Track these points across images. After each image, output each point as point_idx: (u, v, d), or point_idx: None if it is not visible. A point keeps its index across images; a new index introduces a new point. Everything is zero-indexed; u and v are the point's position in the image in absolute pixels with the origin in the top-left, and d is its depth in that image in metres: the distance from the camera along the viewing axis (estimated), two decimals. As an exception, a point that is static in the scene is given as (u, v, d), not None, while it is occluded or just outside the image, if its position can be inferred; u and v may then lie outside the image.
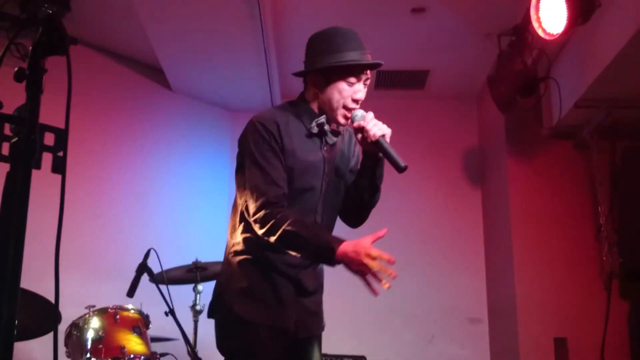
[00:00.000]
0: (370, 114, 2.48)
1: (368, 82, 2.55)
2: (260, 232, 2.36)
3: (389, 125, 2.53)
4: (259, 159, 2.41)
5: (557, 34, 3.87)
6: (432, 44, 5.28)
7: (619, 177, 4.83)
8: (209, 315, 2.55)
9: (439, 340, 5.76)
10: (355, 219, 2.71)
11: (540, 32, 3.99)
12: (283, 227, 2.29)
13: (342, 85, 2.48)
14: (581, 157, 5.10)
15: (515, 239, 5.14)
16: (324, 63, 2.48)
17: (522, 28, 4.49)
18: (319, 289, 2.64)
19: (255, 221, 2.37)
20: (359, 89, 2.50)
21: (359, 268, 2.22)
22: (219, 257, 4.42)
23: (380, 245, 6.03)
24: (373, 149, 2.50)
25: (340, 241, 2.26)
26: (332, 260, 2.26)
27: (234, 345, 2.42)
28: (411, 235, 6.01)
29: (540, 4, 3.97)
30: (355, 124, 2.48)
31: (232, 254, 2.51)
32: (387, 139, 2.47)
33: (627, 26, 3.64)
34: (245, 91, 5.88)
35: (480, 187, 6.17)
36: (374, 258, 2.21)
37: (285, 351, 2.45)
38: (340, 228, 2.73)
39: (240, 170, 2.54)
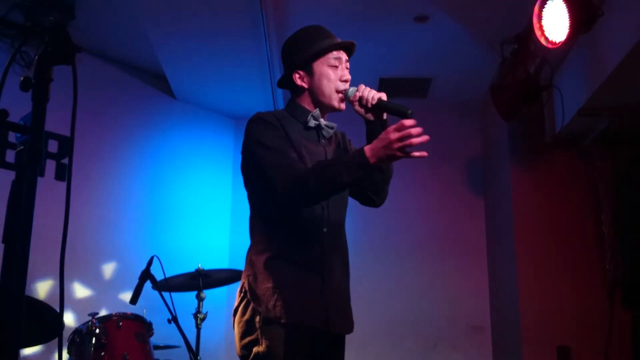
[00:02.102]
0: (362, 85, 2.54)
1: (348, 65, 2.65)
2: (294, 201, 2.37)
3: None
4: (270, 144, 2.44)
5: (559, 43, 3.88)
6: (435, 52, 5.29)
7: (622, 185, 4.82)
8: (235, 322, 2.50)
9: (441, 348, 5.75)
10: (379, 194, 2.70)
11: (542, 41, 4.00)
12: (310, 178, 2.32)
13: (327, 71, 2.58)
14: (584, 166, 5.09)
15: (518, 247, 5.13)
16: (303, 57, 2.59)
17: (525, 36, 4.49)
18: (344, 286, 2.61)
19: (285, 192, 2.35)
20: (343, 72, 2.60)
21: (396, 153, 2.22)
22: (222, 264, 4.47)
23: (383, 252, 6.00)
24: (376, 113, 2.56)
25: (360, 148, 2.28)
26: (370, 165, 2.24)
27: (259, 349, 2.36)
28: (414, 242, 6.02)
29: (542, 13, 3.98)
30: (352, 97, 2.54)
31: (255, 254, 2.49)
32: (385, 99, 2.53)
33: (630, 34, 3.64)
34: (249, 99, 5.90)
35: (483, 195, 6.17)
36: (401, 133, 2.20)
37: (314, 351, 2.42)
38: (351, 218, 2.73)
39: (248, 176, 2.58)
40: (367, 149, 2.25)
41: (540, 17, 3.99)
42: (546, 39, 3.96)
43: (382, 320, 5.64)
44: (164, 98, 5.90)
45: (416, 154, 2.23)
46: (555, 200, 5.16)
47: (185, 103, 6.01)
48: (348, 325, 2.58)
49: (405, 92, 5.98)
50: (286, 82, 2.69)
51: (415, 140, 2.20)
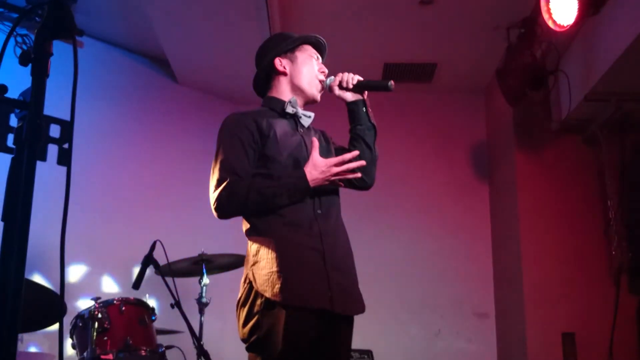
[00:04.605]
0: (339, 73, 2.72)
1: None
2: (222, 210, 2.45)
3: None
4: (226, 150, 2.54)
5: (567, 26, 3.84)
6: (440, 37, 5.25)
7: (628, 171, 4.78)
8: (237, 310, 2.50)
9: (445, 334, 5.73)
10: (368, 175, 2.71)
11: (550, 24, 3.95)
12: (249, 196, 2.41)
13: (310, 61, 2.73)
14: (590, 151, 5.06)
15: (523, 233, 5.10)
16: (289, 44, 2.73)
17: (532, 20, 4.45)
18: (349, 267, 2.60)
19: (215, 202, 2.44)
20: (321, 66, 2.76)
21: (333, 181, 2.48)
22: (225, 250, 4.43)
23: (386, 241, 5.97)
24: (356, 93, 2.72)
25: (302, 172, 2.44)
26: (309, 190, 2.45)
27: (261, 333, 2.37)
28: (418, 229, 5.99)
29: (550, -4, 3.93)
30: (332, 84, 2.71)
31: (254, 243, 2.51)
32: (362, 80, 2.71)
33: (638, 18, 3.59)
34: (252, 83, 5.85)
35: (487, 181, 6.13)
36: (338, 165, 2.45)
37: (317, 332, 2.40)
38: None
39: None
40: (308, 175, 2.43)
41: (547, 0, 3.94)
42: (554, 22, 3.92)
43: (386, 307, 5.61)
44: (166, 82, 5.86)
45: (350, 176, 2.51)
46: (561, 186, 5.13)
47: (187, 87, 5.97)
48: (355, 306, 2.56)
49: (410, 77, 5.93)
50: (261, 80, 2.80)
51: (350, 175, 2.49)
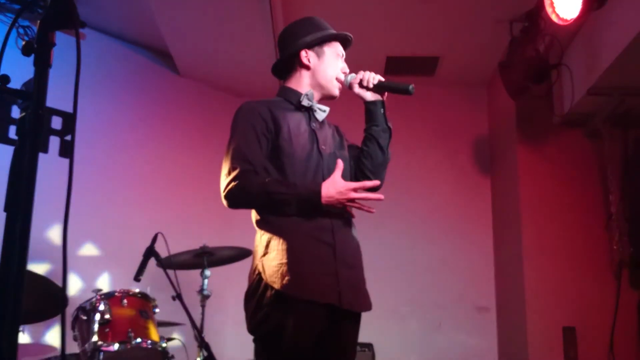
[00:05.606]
0: (361, 71, 2.68)
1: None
2: (231, 201, 2.46)
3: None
4: (239, 137, 2.52)
5: (570, 20, 3.83)
6: (443, 30, 5.23)
7: (630, 165, 4.78)
8: (245, 302, 2.50)
9: (446, 328, 5.73)
10: (378, 177, 2.70)
11: (553, 18, 3.94)
12: (259, 195, 2.40)
13: (335, 57, 2.70)
14: (593, 146, 5.05)
15: (524, 227, 5.10)
16: (317, 37, 2.68)
17: (535, 14, 4.44)
18: (358, 263, 2.61)
19: (225, 191, 2.46)
20: (344, 65, 2.75)
21: (347, 204, 2.45)
22: (227, 242, 4.44)
23: (388, 234, 5.95)
24: (376, 93, 2.69)
25: (317, 188, 2.41)
26: (319, 206, 2.41)
27: (270, 326, 2.37)
28: (419, 222, 5.99)
29: (554, -11, 3.92)
30: (353, 81, 2.67)
31: (264, 233, 2.50)
32: (383, 80, 2.67)
33: (642, 12, 3.59)
34: (254, 76, 5.83)
35: (489, 175, 6.13)
36: (356, 190, 2.42)
37: (325, 326, 2.41)
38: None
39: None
40: (324, 192, 2.39)
41: (552, -7, 3.93)
42: (557, 15, 3.91)
43: (387, 300, 5.60)
44: (168, 75, 5.85)
45: (364, 208, 2.49)
46: (562, 181, 5.12)
47: (189, 80, 5.95)
48: (362, 303, 2.56)
49: (412, 70, 5.91)
50: (282, 65, 2.75)
51: (366, 208, 2.47)
